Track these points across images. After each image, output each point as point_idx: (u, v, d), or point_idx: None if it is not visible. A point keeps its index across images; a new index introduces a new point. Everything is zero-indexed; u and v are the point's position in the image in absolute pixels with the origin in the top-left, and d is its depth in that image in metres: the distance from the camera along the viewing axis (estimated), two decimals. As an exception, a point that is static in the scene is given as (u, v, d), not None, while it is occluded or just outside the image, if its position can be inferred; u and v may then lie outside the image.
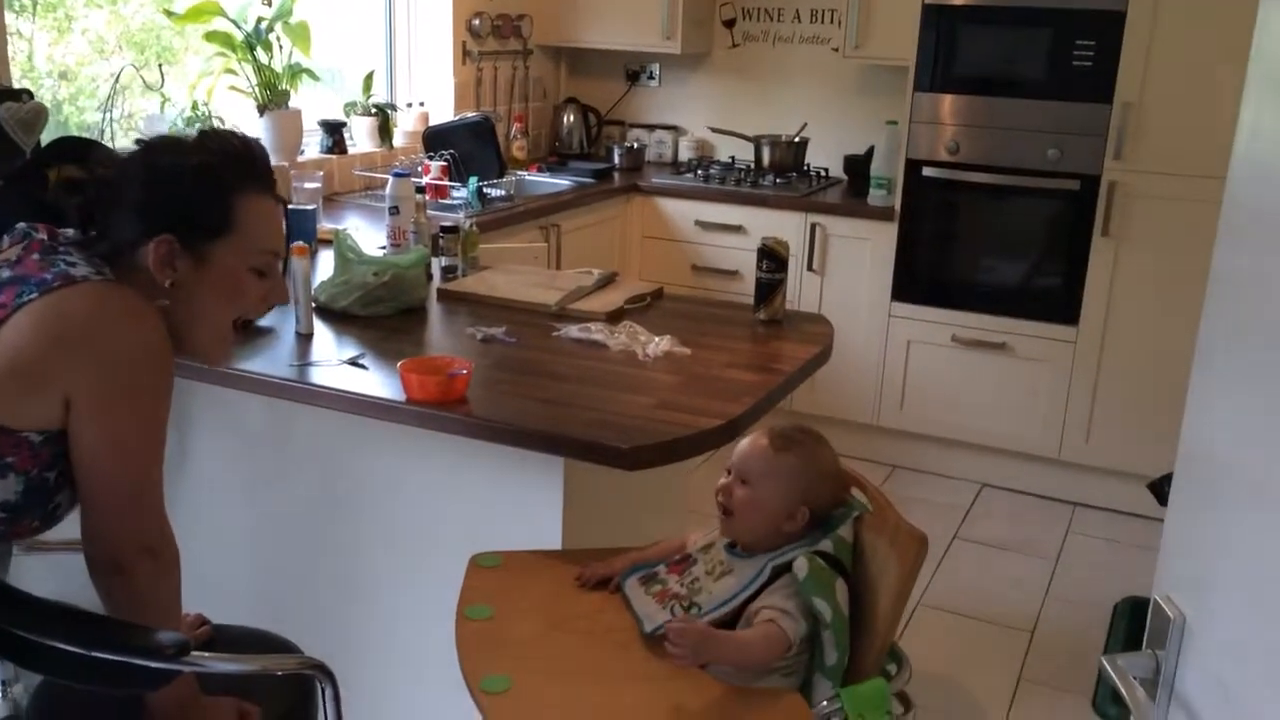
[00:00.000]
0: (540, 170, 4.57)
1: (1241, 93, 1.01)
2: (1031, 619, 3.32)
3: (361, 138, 4.18)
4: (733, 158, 4.83)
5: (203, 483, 2.38)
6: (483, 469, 2.06)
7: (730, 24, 4.83)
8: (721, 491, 1.72)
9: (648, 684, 1.55)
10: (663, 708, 1.50)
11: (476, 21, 4.48)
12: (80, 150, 2.50)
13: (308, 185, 3.42)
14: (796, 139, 4.63)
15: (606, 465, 1.84)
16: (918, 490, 4.14)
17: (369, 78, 4.18)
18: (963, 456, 4.23)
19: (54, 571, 1.94)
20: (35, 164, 2.44)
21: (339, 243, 2.53)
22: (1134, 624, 2.20)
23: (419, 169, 3.94)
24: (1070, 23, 3.72)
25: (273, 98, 3.68)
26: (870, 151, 4.28)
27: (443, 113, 4.41)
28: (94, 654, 1.48)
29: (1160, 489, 2.54)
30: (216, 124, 3.49)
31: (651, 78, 5.04)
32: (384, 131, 4.20)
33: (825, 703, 1.55)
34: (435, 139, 4.11)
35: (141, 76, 3.40)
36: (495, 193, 3.98)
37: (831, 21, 4.63)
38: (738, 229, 4.34)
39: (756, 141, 4.64)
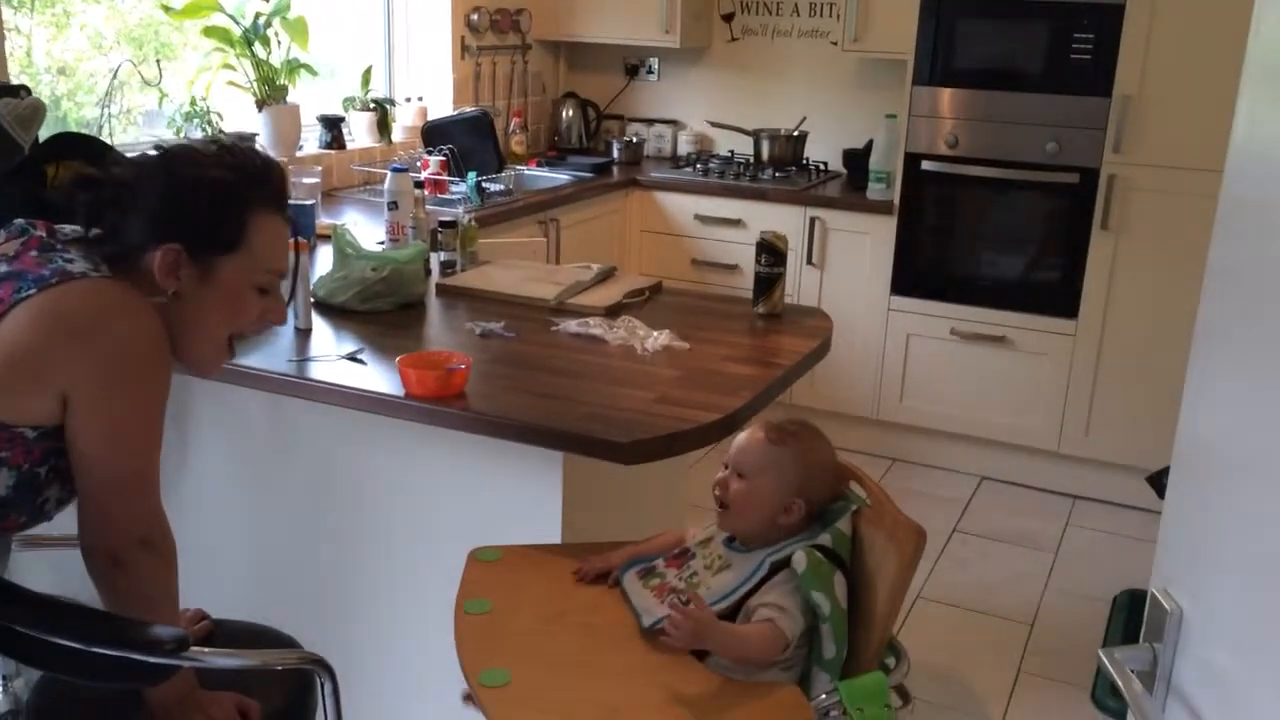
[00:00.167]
0: (539, 165, 4.57)
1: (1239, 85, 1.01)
2: (1031, 612, 3.32)
3: (360, 133, 4.18)
4: (732, 152, 4.82)
5: (202, 478, 2.38)
6: (482, 464, 2.06)
7: (729, 18, 4.82)
8: (718, 485, 1.73)
9: (646, 678, 1.55)
10: (661, 701, 1.50)
11: (475, 16, 4.48)
12: (79, 146, 2.51)
13: (306, 180, 3.42)
14: (795, 133, 4.63)
15: (605, 459, 1.84)
16: (917, 483, 4.14)
17: (367, 73, 4.18)
18: (962, 450, 4.23)
19: (53, 567, 1.94)
20: (33, 160, 2.45)
21: (338, 238, 2.53)
22: (1133, 617, 2.20)
23: (418, 164, 3.94)
24: (1069, 16, 3.72)
25: (271, 93, 3.68)
26: (869, 145, 4.28)
27: (441, 107, 4.41)
28: (93, 649, 1.48)
29: (1159, 482, 2.54)
30: (215, 120, 3.49)
31: (650, 72, 5.04)
32: (383, 126, 4.20)
33: (824, 696, 1.55)
34: (434, 134, 4.11)
35: (140, 72, 3.40)
36: (494, 187, 3.98)
37: (830, 15, 4.63)
38: (737, 223, 4.34)
39: (755, 135, 4.64)
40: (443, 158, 3.95)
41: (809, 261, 4.24)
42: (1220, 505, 1.00)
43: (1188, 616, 1.03)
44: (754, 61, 4.82)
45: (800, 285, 4.24)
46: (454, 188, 3.88)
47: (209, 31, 3.54)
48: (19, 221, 1.62)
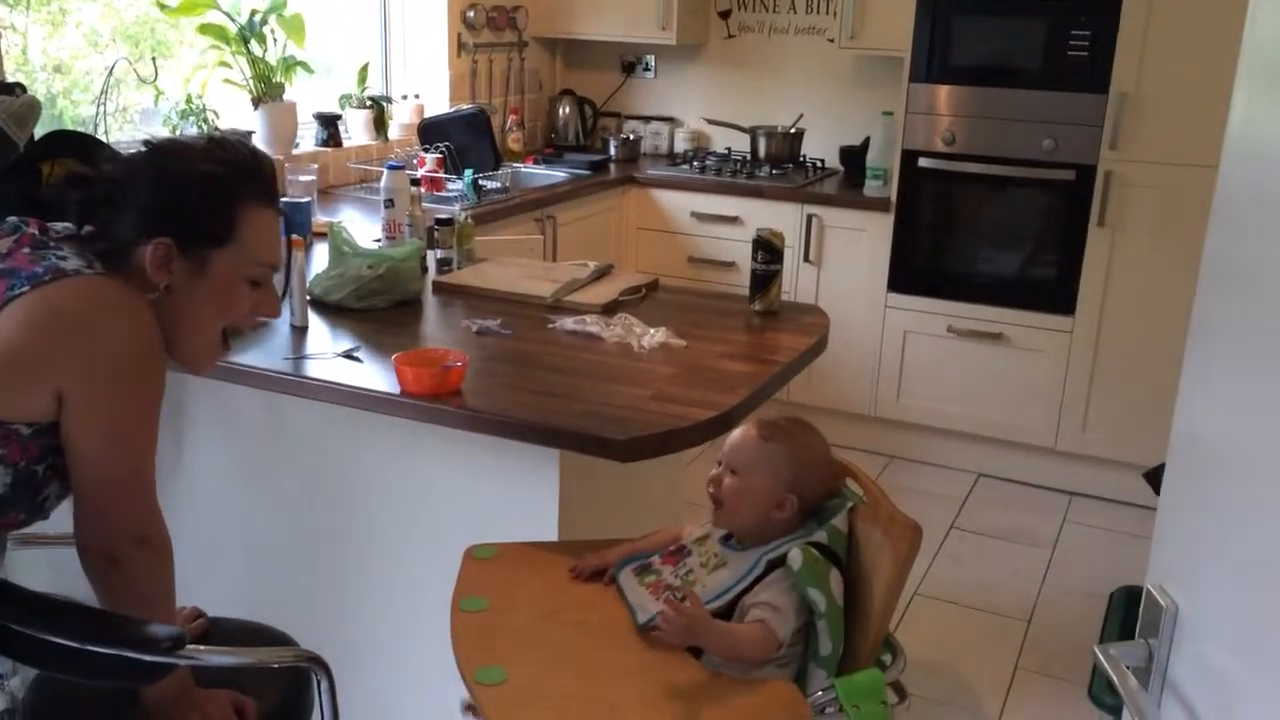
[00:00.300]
0: (536, 162, 4.56)
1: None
2: (1028, 608, 3.32)
3: (356, 130, 4.18)
4: (729, 149, 4.82)
5: (198, 476, 2.38)
6: (478, 461, 2.06)
7: (726, 15, 4.82)
8: (712, 482, 1.73)
9: (642, 675, 1.56)
10: (658, 699, 1.51)
11: (471, 13, 4.48)
12: (74, 144, 2.50)
13: (302, 178, 3.41)
14: (792, 130, 4.63)
15: (602, 457, 1.84)
16: (914, 480, 4.14)
17: (364, 70, 4.17)
18: (959, 447, 4.23)
19: (49, 565, 1.94)
20: (28, 158, 2.44)
21: (334, 235, 2.53)
22: (1129, 613, 2.20)
23: (414, 161, 3.93)
24: (1066, 12, 3.72)
25: (267, 90, 3.67)
26: (866, 142, 4.28)
27: (438, 105, 4.41)
28: (90, 648, 1.48)
29: (1156, 478, 2.53)
30: (211, 117, 3.49)
31: (647, 69, 5.03)
32: (379, 124, 4.20)
33: (820, 693, 1.55)
34: (430, 131, 4.11)
35: (135, 70, 3.40)
36: (491, 185, 3.98)
37: (827, 12, 4.63)
38: (734, 220, 4.34)
39: (752, 133, 4.64)
40: (439, 155, 3.94)
41: (806, 259, 4.24)
42: (1216, 501, 1.00)
43: (1183, 612, 1.03)
44: (751, 58, 4.82)
45: (797, 282, 4.24)
46: (450, 185, 3.88)
47: (205, 29, 3.54)
48: (11, 219, 1.62)
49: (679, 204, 4.45)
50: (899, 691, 1.63)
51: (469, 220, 2.88)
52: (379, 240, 2.90)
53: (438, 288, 2.64)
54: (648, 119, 5.02)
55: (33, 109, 2.56)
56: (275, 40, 3.67)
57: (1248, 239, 0.97)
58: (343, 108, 4.16)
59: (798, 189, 4.27)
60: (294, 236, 2.34)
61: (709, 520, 1.77)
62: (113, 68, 3.30)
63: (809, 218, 4.21)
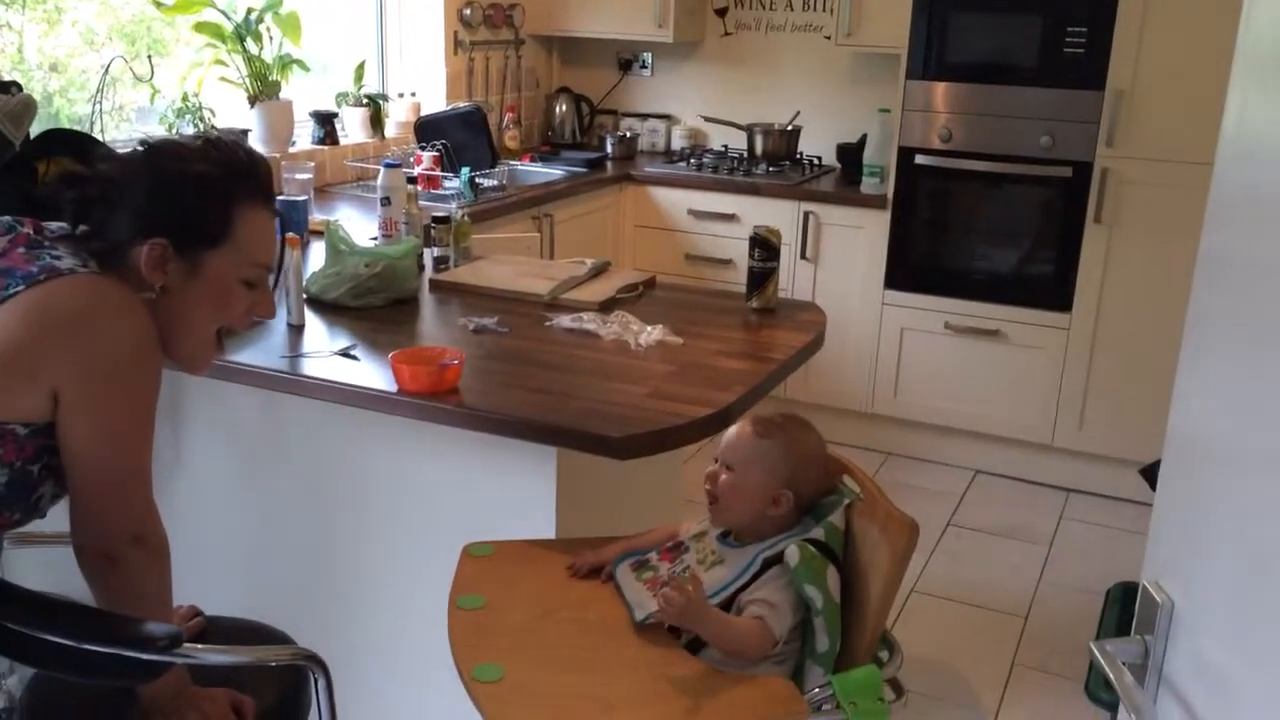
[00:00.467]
0: (533, 160, 4.56)
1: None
2: (1025, 605, 3.33)
3: (353, 128, 4.17)
4: (725, 146, 4.82)
5: (195, 474, 2.38)
6: (475, 459, 2.06)
7: (722, 12, 4.81)
8: (709, 479, 1.73)
9: (640, 672, 1.56)
10: (654, 696, 1.51)
11: (468, 11, 4.47)
12: (70, 143, 2.50)
13: (299, 176, 3.41)
14: (789, 127, 4.63)
15: (599, 454, 1.84)
16: (912, 477, 4.15)
17: (360, 68, 4.17)
18: (956, 443, 4.23)
19: (46, 564, 1.94)
20: (24, 157, 2.44)
21: (330, 234, 2.53)
22: (1126, 609, 2.20)
23: (411, 159, 3.93)
24: (1062, 9, 3.72)
25: (263, 89, 3.67)
26: (863, 139, 4.28)
27: (434, 103, 4.41)
28: (87, 647, 1.48)
29: (1153, 474, 2.53)
30: (207, 115, 3.48)
31: (644, 67, 5.03)
32: (375, 122, 4.19)
33: (817, 689, 1.55)
34: (427, 129, 4.11)
35: (131, 68, 3.39)
36: (487, 183, 3.97)
37: (824, 9, 4.62)
38: (731, 218, 4.33)
39: (749, 130, 4.64)
40: (436, 153, 3.94)
41: (803, 256, 4.24)
42: (1212, 498, 1.01)
43: (1179, 609, 1.03)
44: (747, 56, 4.82)
45: (794, 280, 4.24)
46: (447, 183, 3.88)
47: (201, 27, 3.53)
48: (5, 219, 1.62)
49: (676, 201, 4.45)
50: (896, 688, 1.63)
51: (466, 218, 2.88)
52: (375, 238, 2.90)
53: (434, 286, 2.64)
54: (645, 116, 5.02)
55: (29, 108, 2.56)
56: (271, 38, 3.66)
57: (1243, 235, 0.98)
58: (339, 106, 4.16)
59: (795, 186, 4.27)
60: (290, 235, 2.34)
61: (706, 517, 1.77)
62: (109, 66, 3.29)
63: (806, 215, 4.21)
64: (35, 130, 2.59)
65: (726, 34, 4.84)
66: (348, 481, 2.22)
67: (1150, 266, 3.76)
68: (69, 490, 1.55)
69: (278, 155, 3.64)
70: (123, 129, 3.45)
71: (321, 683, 1.69)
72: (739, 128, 4.68)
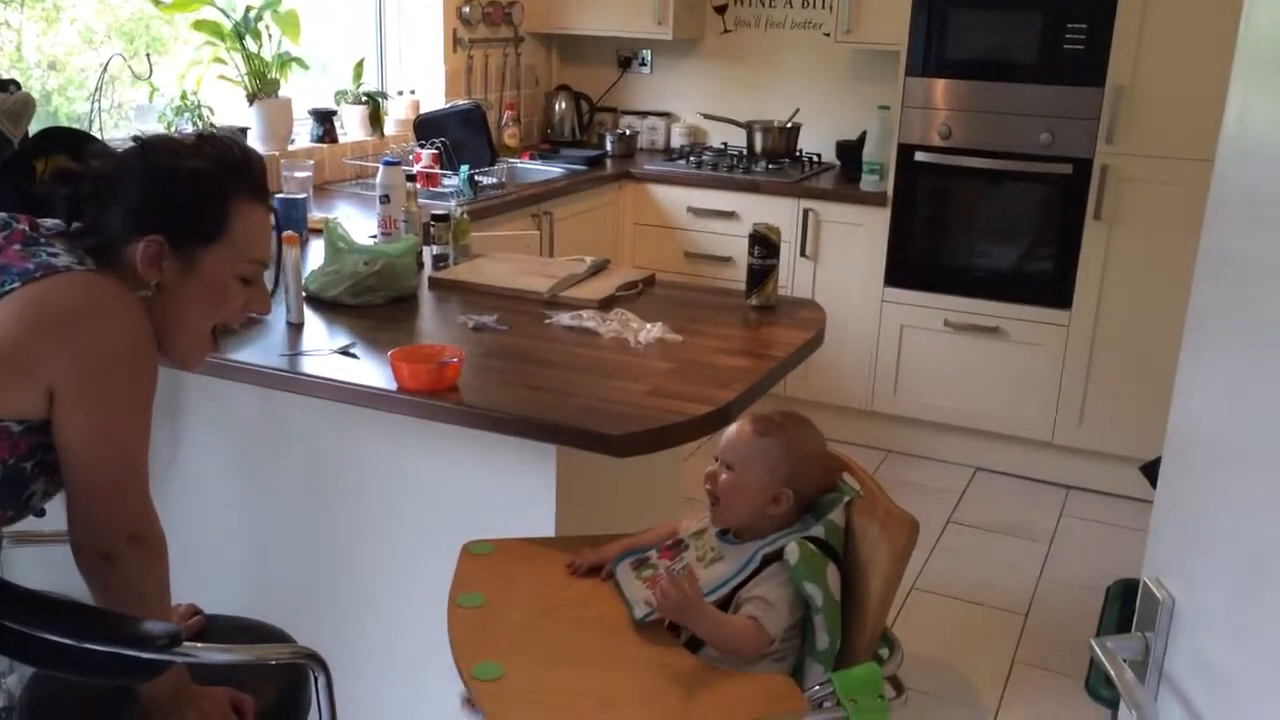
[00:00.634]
0: (532, 158, 4.56)
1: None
2: (1025, 602, 3.33)
3: (352, 126, 4.17)
4: (725, 144, 4.82)
5: (194, 472, 2.37)
6: (475, 457, 2.05)
7: (722, 10, 4.81)
8: (708, 478, 1.73)
9: (639, 670, 1.56)
10: (654, 693, 1.51)
11: (467, 9, 4.47)
12: (69, 141, 2.50)
13: (298, 174, 3.40)
14: (789, 125, 4.62)
15: (598, 452, 1.84)
16: (912, 475, 4.15)
17: (359, 66, 4.16)
18: (956, 441, 4.23)
19: (45, 564, 1.94)
20: (23, 155, 2.44)
21: (329, 232, 2.53)
22: (1126, 606, 2.20)
23: (410, 157, 3.93)
24: (1062, 6, 3.72)
25: (262, 87, 3.67)
26: (862, 137, 4.28)
27: (434, 100, 4.40)
28: (86, 645, 1.48)
29: (1153, 472, 2.53)
30: (206, 114, 3.48)
31: (643, 64, 5.03)
32: (374, 120, 4.19)
33: (817, 687, 1.55)
34: (426, 127, 4.10)
35: (130, 67, 3.39)
36: (487, 180, 3.97)
37: (823, 6, 4.62)
38: (730, 215, 4.33)
39: (749, 127, 4.63)
40: (435, 151, 3.94)
41: (802, 253, 4.24)
42: (1213, 494, 1.00)
43: (1179, 606, 1.03)
44: (747, 53, 4.81)
45: (794, 277, 4.24)
46: (446, 181, 3.88)
47: (199, 25, 3.53)
48: (1, 215, 1.61)
49: (675, 199, 4.45)
50: (896, 686, 1.63)
51: (465, 216, 2.88)
52: (375, 236, 2.90)
53: (434, 284, 2.64)
54: (644, 114, 5.02)
55: (27, 106, 2.55)
56: (270, 36, 3.66)
57: (1244, 231, 0.97)
58: (338, 104, 4.16)
59: (794, 184, 4.27)
60: (289, 233, 2.34)
61: (706, 515, 1.77)
62: (107, 64, 3.29)
63: (805, 212, 4.21)
64: (34, 128, 2.59)
65: (726, 31, 4.83)
66: (347, 480, 2.22)
67: (1150, 263, 3.75)
68: (66, 489, 1.55)
69: (277, 153, 3.64)
70: (121, 127, 3.44)
71: (321, 681, 1.69)
72: (738, 125, 4.68)
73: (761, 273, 2.54)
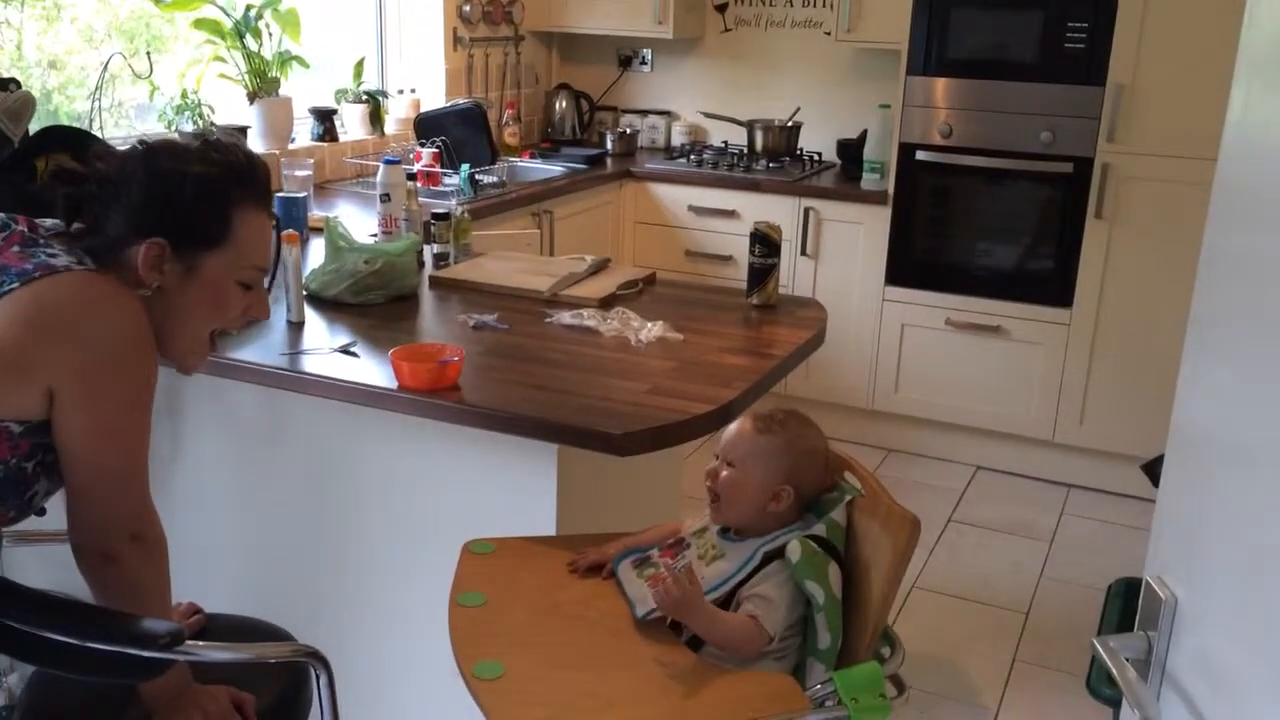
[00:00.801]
0: (532, 156, 4.56)
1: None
2: (1026, 601, 3.33)
3: (352, 125, 4.17)
4: (725, 143, 4.82)
5: (195, 472, 2.37)
6: (475, 456, 2.05)
7: (722, 8, 4.81)
8: (709, 476, 1.73)
9: (641, 669, 1.55)
10: (655, 693, 1.51)
11: (467, 7, 4.47)
12: (69, 139, 2.50)
13: (298, 173, 3.40)
14: (789, 123, 4.62)
15: (599, 451, 1.84)
16: (913, 473, 4.15)
17: (360, 64, 4.16)
18: (957, 439, 4.23)
19: (45, 563, 1.94)
20: (23, 154, 2.44)
21: (330, 230, 2.52)
22: (1128, 605, 2.20)
23: (410, 156, 3.93)
24: (1063, 4, 3.71)
25: (263, 85, 3.67)
26: (863, 135, 4.28)
27: (434, 99, 4.40)
28: (87, 644, 1.47)
29: (1154, 470, 2.52)
30: (206, 112, 3.48)
31: (644, 63, 5.02)
32: (375, 118, 4.19)
33: (819, 685, 1.55)
34: (427, 126, 4.10)
35: (130, 65, 3.39)
36: (487, 179, 3.97)
37: (824, 5, 4.62)
38: (731, 214, 4.33)
39: (749, 126, 4.63)
40: (435, 150, 3.94)
41: (803, 252, 4.24)
42: (1214, 493, 1.00)
43: (1182, 604, 1.03)
44: (747, 52, 4.81)
45: (795, 276, 4.24)
46: (447, 180, 3.88)
47: (200, 24, 3.53)
48: (0, 216, 1.61)
49: (676, 198, 4.45)
50: (898, 684, 1.63)
51: (465, 215, 2.88)
52: (375, 235, 2.90)
53: (434, 283, 2.64)
54: (644, 113, 5.02)
55: (27, 105, 2.55)
56: (270, 35, 3.66)
57: (1247, 230, 0.97)
58: (338, 102, 4.16)
59: (795, 182, 4.27)
60: (289, 232, 2.33)
61: (707, 513, 1.77)
62: (107, 63, 3.29)
63: (806, 211, 4.21)
64: (34, 127, 2.59)
65: (726, 30, 4.83)
66: (348, 478, 2.22)
67: (1151, 262, 3.75)
68: (66, 488, 1.54)
69: (277, 152, 3.64)
70: (122, 126, 3.44)
71: (323, 679, 1.68)
72: (739, 124, 4.68)
73: (762, 271, 2.54)
